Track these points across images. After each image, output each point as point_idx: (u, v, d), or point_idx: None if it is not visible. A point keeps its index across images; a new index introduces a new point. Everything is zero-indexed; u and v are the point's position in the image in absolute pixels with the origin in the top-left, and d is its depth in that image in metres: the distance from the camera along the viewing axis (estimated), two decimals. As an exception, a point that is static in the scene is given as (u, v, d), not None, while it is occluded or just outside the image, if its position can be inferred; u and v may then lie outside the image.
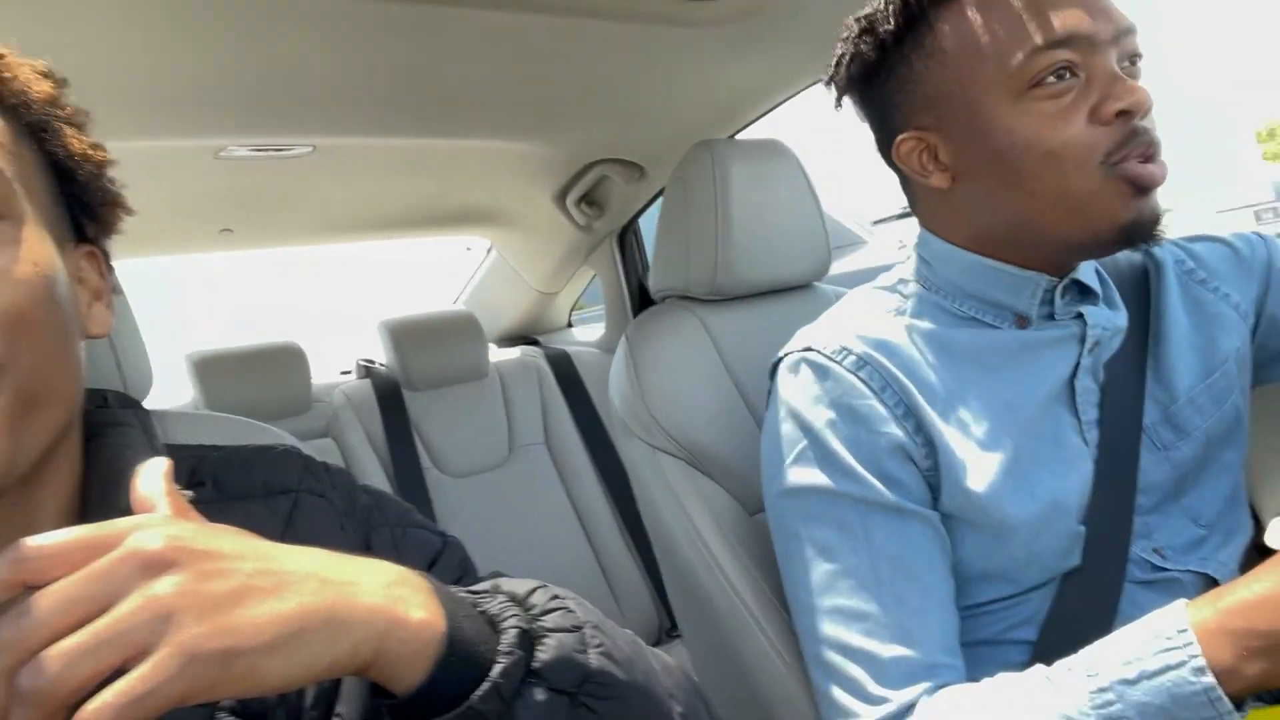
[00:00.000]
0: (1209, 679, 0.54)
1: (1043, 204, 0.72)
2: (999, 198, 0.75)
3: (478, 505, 1.90)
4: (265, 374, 1.87)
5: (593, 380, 2.14)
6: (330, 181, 1.68)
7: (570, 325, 2.48)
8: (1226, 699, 0.54)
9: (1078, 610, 0.73)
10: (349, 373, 2.19)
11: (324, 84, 1.22)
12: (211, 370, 1.82)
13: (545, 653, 0.43)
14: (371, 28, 1.06)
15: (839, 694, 0.70)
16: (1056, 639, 0.72)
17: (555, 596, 0.47)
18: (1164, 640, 0.56)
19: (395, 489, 1.82)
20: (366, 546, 0.58)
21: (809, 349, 0.79)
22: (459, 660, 0.40)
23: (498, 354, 2.22)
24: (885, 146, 0.82)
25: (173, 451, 0.58)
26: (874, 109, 0.82)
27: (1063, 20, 0.69)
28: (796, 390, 0.79)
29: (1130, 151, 0.69)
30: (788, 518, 0.78)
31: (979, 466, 0.73)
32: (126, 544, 0.34)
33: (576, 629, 0.45)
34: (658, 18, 1.16)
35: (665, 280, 1.18)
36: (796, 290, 1.20)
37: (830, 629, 0.72)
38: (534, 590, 0.47)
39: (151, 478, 0.40)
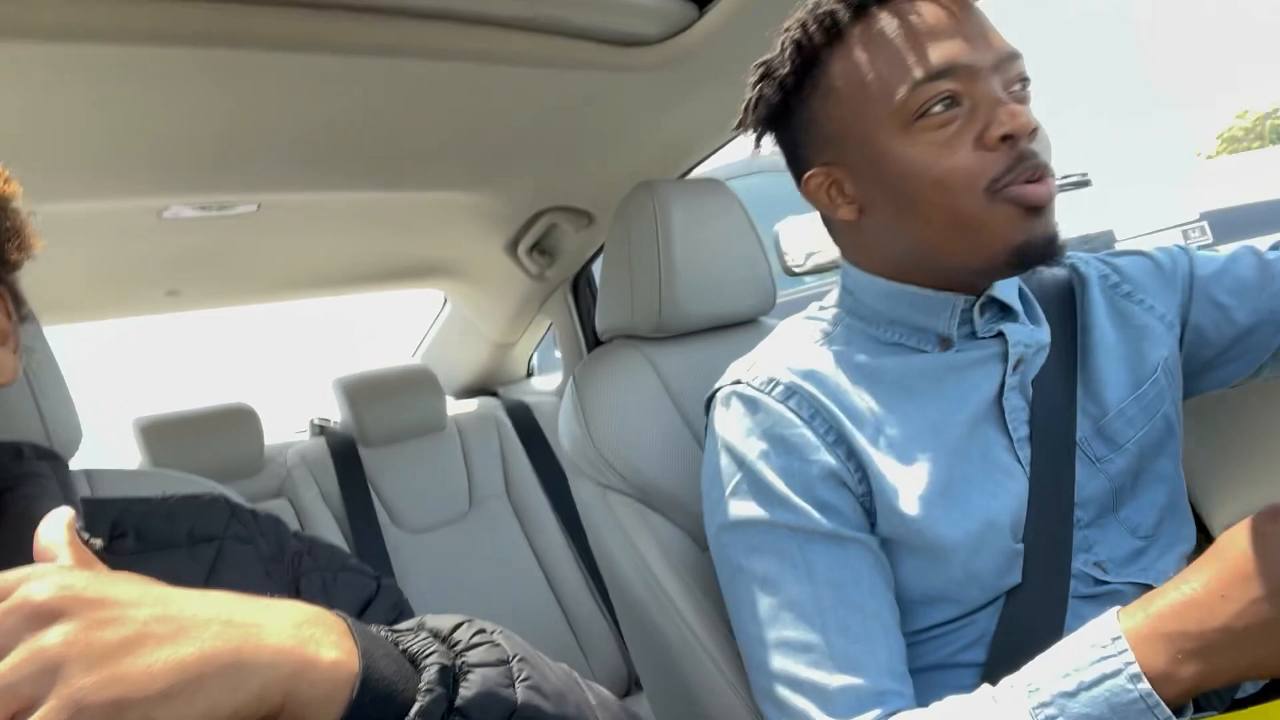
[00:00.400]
0: (1145, 685, 0.54)
1: (938, 230, 0.74)
2: (900, 226, 0.77)
3: (438, 561, 1.87)
4: (216, 436, 1.84)
5: (552, 429, 2.13)
6: (278, 239, 1.68)
7: (529, 375, 2.48)
8: (1164, 705, 0.54)
9: (1024, 629, 0.73)
10: (304, 432, 2.16)
11: (267, 140, 1.22)
12: (159, 435, 1.79)
13: (469, 689, 0.42)
14: (311, 81, 1.07)
15: None
16: (1005, 659, 0.71)
17: (480, 631, 0.46)
18: (1099, 650, 0.57)
19: (352, 548, 1.79)
20: (296, 592, 0.57)
21: (738, 382, 0.81)
22: (376, 700, 0.39)
23: (456, 407, 2.21)
24: (798, 182, 0.84)
25: (94, 504, 0.57)
26: (785, 148, 0.85)
27: (942, 52, 0.71)
28: (729, 424, 0.80)
29: (1016, 175, 0.71)
30: (729, 551, 0.77)
31: (911, 489, 0.74)
32: (15, 595, 0.33)
33: (502, 663, 0.44)
34: (597, 65, 1.18)
35: (611, 320, 1.19)
36: (742, 325, 1.21)
37: (777, 662, 0.71)
38: (459, 625, 0.46)
39: (54, 527, 0.38)
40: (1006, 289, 0.82)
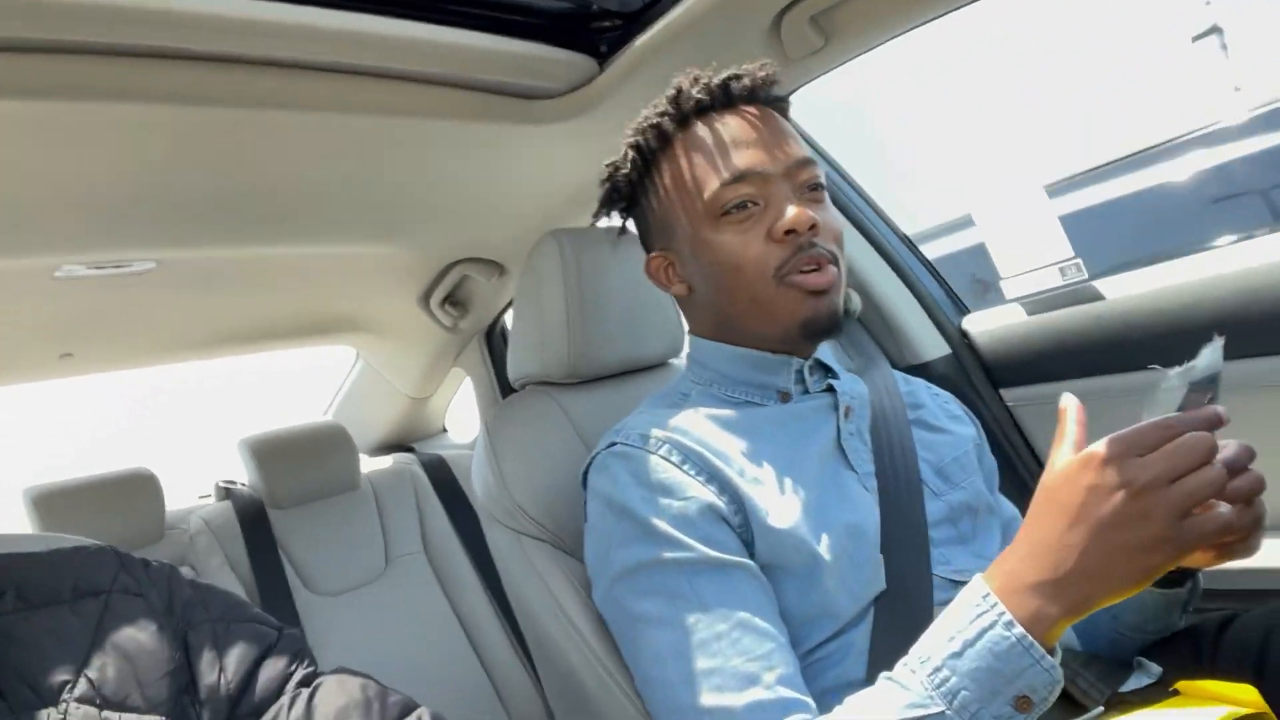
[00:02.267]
0: (1019, 629, 0.61)
1: (742, 308, 0.89)
2: (718, 300, 0.91)
3: (354, 623, 1.81)
4: (113, 504, 1.75)
5: (470, 483, 2.10)
6: (177, 297, 1.64)
7: (445, 430, 2.45)
8: (1039, 644, 0.60)
9: (897, 635, 0.78)
10: (208, 496, 2.08)
11: (161, 195, 1.20)
12: (52, 504, 1.70)
13: None
14: (208, 134, 1.06)
15: None
16: (884, 668, 0.74)
17: None
18: (974, 609, 0.63)
19: (261, 614, 1.72)
20: (184, 646, 0.55)
21: (612, 444, 0.87)
22: None
23: (370, 464, 2.16)
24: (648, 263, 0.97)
25: None
26: (640, 237, 1.00)
27: (741, 159, 0.86)
28: (607, 482, 0.85)
29: (797, 264, 0.85)
30: (622, 603, 0.81)
31: (780, 512, 0.80)
32: None
33: None
34: (503, 118, 1.20)
35: (523, 368, 1.19)
36: (652, 369, 1.23)
37: (682, 697, 0.73)
38: None
39: None
40: (825, 353, 0.97)
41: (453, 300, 1.90)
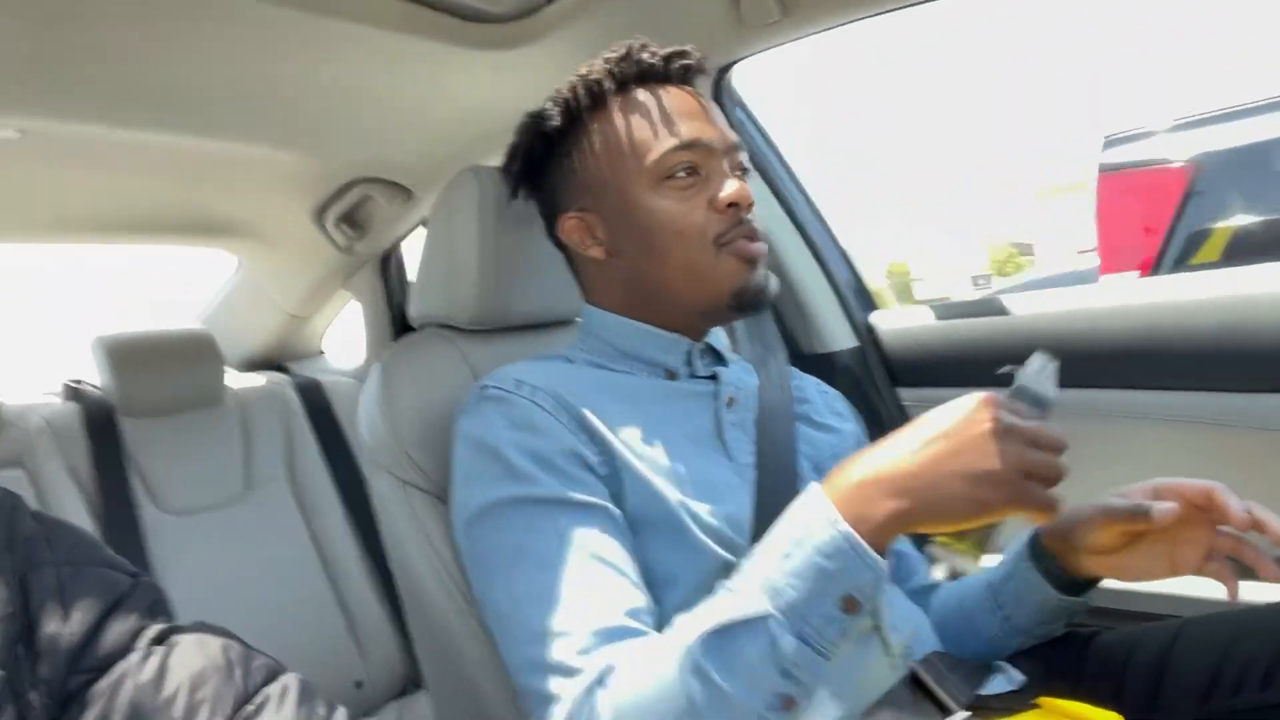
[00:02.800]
0: (845, 526, 0.63)
1: (675, 273, 0.88)
2: (643, 268, 0.90)
3: (205, 547, 1.70)
4: (-60, 392, 1.58)
5: (347, 412, 2.01)
6: (42, 173, 1.47)
7: (322, 353, 2.33)
8: (862, 541, 0.62)
9: None
10: (54, 394, 1.91)
11: (33, 58, 1.06)
12: None
13: None
14: None
15: (542, 683, 0.70)
16: None
17: None
18: (803, 510, 0.66)
19: (101, 529, 1.60)
20: (22, 589, 0.48)
21: (485, 386, 0.87)
22: None
23: (239, 380, 2.03)
24: (552, 226, 0.97)
25: None
26: (542, 193, 0.98)
27: (689, 129, 0.88)
28: (475, 423, 0.84)
29: (737, 233, 0.87)
30: (480, 539, 0.80)
31: (652, 469, 0.81)
32: None
33: None
34: (438, 35, 1.12)
35: (426, 308, 1.12)
36: (559, 325, 1.19)
37: (530, 624, 0.73)
38: None
39: None
40: (716, 338, 0.98)
41: (350, 220, 1.79)
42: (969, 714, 0.81)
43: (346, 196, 1.69)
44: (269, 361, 2.24)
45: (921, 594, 1.00)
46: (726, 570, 0.79)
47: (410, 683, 1.82)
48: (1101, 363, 1.21)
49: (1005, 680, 0.88)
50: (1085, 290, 1.27)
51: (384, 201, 1.67)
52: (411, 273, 1.97)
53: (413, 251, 2.05)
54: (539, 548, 0.76)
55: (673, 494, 0.81)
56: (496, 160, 1.51)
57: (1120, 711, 0.81)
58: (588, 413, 0.83)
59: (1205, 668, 0.83)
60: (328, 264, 1.94)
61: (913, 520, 0.63)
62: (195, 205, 1.78)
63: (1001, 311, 1.29)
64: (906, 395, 1.40)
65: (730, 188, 0.87)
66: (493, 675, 0.86)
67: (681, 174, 0.87)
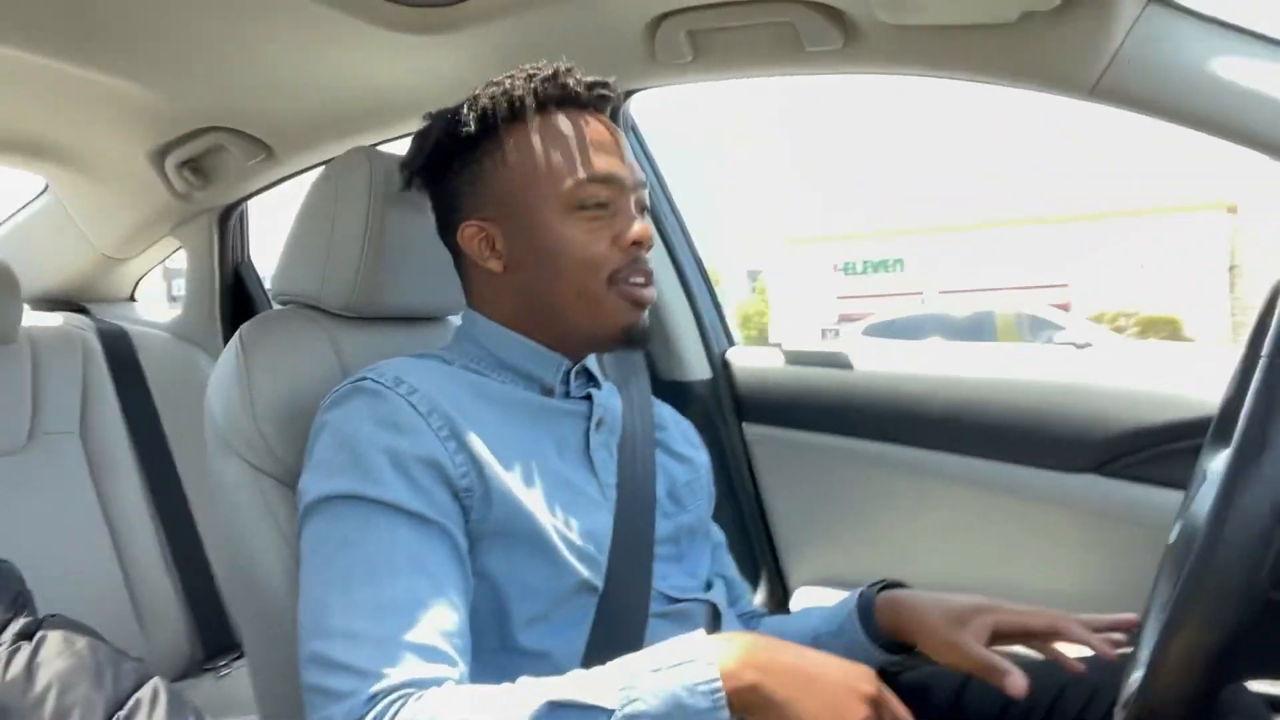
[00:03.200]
0: (717, 680, 0.66)
1: (569, 297, 0.90)
2: (539, 288, 0.91)
3: (-28, 500, 1.52)
4: None
5: (156, 367, 1.85)
6: None
7: (134, 299, 2.13)
8: (724, 696, 0.65)
9: (610, 641, 0.82)
10: None
11: None
12: None
13: None
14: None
15: (330, 681, 0.70)
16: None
17: None
18: (687, 644, 0.69)
19: None
20: None
21: (363, 379, 0.85)
22: None
23: (32, 318, 1.82)
24: (447, 229, 0.96)
25: None
26: (443, 195, 0.96)
27: (605, 163, 0.90)
28: (344, 414, 0.83)
29: (632, 272, 0.90)
30: (312, 524, 0.79)
31: (519, 483, 0.83)
32: None
33: None
34: (342, 2, 1.06)
35: (293, 285, 1.07)
36: (431, 321, 1.16)
37: (335, 621, 0.72)
38: None
39: None
40: (593, 362, 0.99)
41: (196, 167, 1.65)
42: None
43: (196, 141, 1.56)
44: (68, 300, 2.03)
45: (745, 619, 1.07)
46: (583, 586, 0.84)
47: (195, 665, 1.70)
48: (924, 424, 1.34)
49: None
50: (927, 352, 1.40)
51: (239, 155, 1.56)
52: (260, 235, 1.85)
53: (263, 213, 1.93)
54: (367, 548, 0.75)
55: (540, 508, 0.83)
56: (373, 139, 1.46)
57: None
58: (461, 419, 0.83)
59: (994, 708, 0.94)
60: (157, 207, 1.78)
61: (768, 706, 0.67)
62: (10, 119, 1.58)
63: (846, 365, 1.40)
64: (750, 431, 1.49)
65: (636, 227, 0.89)
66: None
67: (593, 206, 0.89)
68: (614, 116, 1.26)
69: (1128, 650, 0.84)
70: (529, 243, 0.90)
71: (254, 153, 1.56)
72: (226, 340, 1.01)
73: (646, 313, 0.92)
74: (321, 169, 1.09)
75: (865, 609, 0.97)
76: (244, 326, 1.01)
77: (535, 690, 0.67)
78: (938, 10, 0.98)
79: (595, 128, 0.92)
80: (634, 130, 1.41)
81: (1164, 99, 0.91)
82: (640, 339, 0.93)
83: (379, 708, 0.67)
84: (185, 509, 1.80)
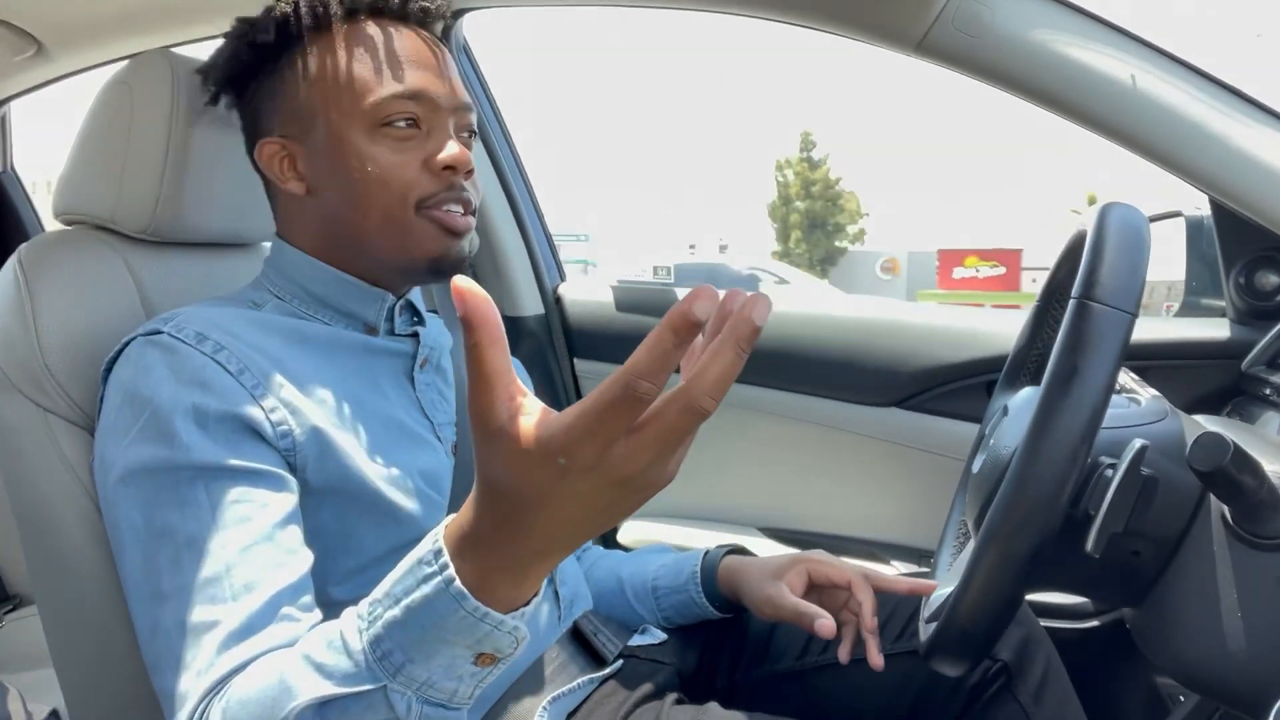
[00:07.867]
0: (473, 601, 0.51)
1: (374, 224, 0.82)
2: (342, 213, 0.83)
3: None
4: None
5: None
6: None
7: None
8: (459, 580, 0.51)
9: None
10: None
11: None
12: None
13: None
14: None
15: (173, 682, 0.64)
16: None
17: None
18: (424, 549, 0.54)
19: None
20: None
21: (156, 332, 0.76)
22: None
23: None
24: (251, 145, 0.88)
25: None
26: (246, 109, 0.89)
27: (416, 77, 0.82)
28: (134, 372, 0.74)
29: (446, 199, 0.82)
30: (120, 504, 0.71)
31: (349, 444, 0.77)
32: None
33: None
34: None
35: (79, 203, 0.95)
36: (240, 248, 1.07)
37: (170, 616, 0.66)
38: None
39: None
40: (415, 293, 0.93)
41: (-56, 58, 1.42)
42: (620, 662, 0.92)
43: (-55, 28, 1.34)
44: None
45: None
46: (418, 538, 0.63)
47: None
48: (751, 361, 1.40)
49: (649, 636, 1.00)
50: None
51: (2, 49, 1.36)
52: (27, 140, 1.62)
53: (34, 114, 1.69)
54: (188, 527, 0.68)
55: (374, 459, 0.78)
56: (167, 41, 1.31)
57: (735, 668, 1.00)
58: (278, 373, 0.76)
59: (797, 640, 1.01)
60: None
61: (506, 561, 0.51)
62: None
63: (676, 301, 1.42)
64: (581, 366, 1.49)
65: (450, 149, 0.82)
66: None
67: (401, 123, 0.81)
68: (445, 38, 1.20)
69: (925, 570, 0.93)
70: (331, 163, 0.82)
71: (20, 47, 1.36)
72: None
73: (466, 242, 0.85)
74: (111, 71, 0.97)
75: (709, 571, 1.01)
76: (23, 248, 0.89)
77: (304, 678, 0.57)
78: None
79: (410, 39, 0.84)
80: (466, 51, 1.35)
81: (985, 61, 0.97)
82: (454, 269, 0.84)
83: (210, 707, 0.61)
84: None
